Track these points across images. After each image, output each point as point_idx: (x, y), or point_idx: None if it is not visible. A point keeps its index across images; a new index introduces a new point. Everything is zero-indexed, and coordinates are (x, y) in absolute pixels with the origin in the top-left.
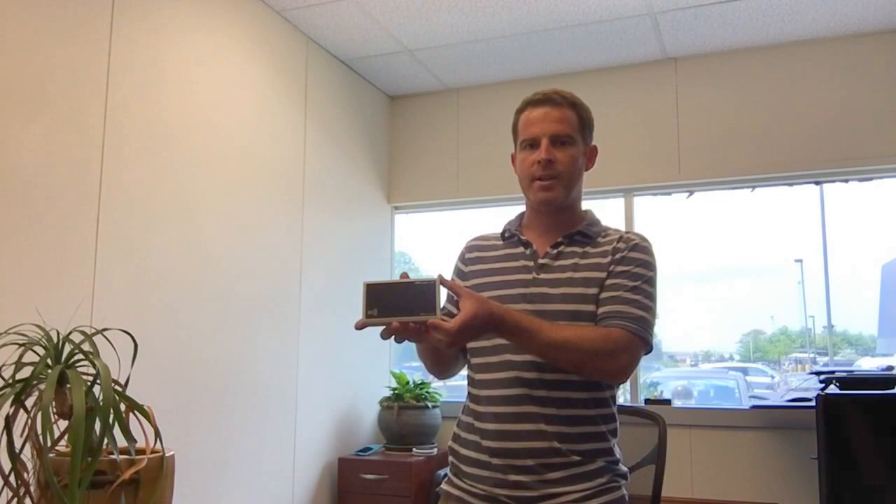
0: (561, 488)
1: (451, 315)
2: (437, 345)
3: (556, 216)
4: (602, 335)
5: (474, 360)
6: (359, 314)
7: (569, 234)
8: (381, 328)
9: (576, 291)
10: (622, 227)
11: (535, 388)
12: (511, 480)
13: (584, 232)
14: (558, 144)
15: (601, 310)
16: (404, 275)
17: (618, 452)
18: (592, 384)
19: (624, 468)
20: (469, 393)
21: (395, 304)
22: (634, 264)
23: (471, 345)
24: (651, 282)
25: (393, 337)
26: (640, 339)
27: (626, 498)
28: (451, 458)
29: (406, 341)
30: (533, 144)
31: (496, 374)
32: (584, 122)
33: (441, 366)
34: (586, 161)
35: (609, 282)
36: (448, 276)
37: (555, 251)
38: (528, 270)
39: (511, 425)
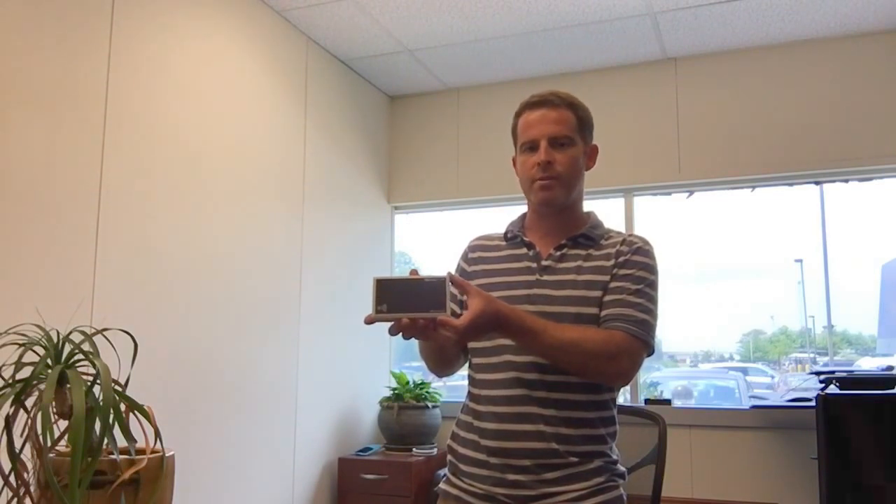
0: (558, 487)
1: (455, 314)
2: (445, 342)
3: (558, 217)
4: (604, 337)
5: (475, 360)
6: (360, 312)
7: (572, 236)
8: (390, 324)
9: (579, 294)
10: (622, 228)
11: (536, 388)
12: (509, 480)
13: (587, 234)
14: (557, 146)
15: (604, 312)
16: (413, 272)
17: (615, 453)
18: (593, 386)
19: (622, 468)
20: (469, 392)
21: (404, 301)
22: (637, 268)
23: (472, 344)
24: (653, 285)
25: (401, 333)
26: (641, 343)
27: (624, 497)
28: (449, 457)
29: (411, 338)
30: (532, 147)
31: (497, 375)
32: (582, 123)
33: (443, 364)
34: (587, 161)
35: (612, 284)
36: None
37: (558, 253)
38: (531, 272)
39: (510, 425)
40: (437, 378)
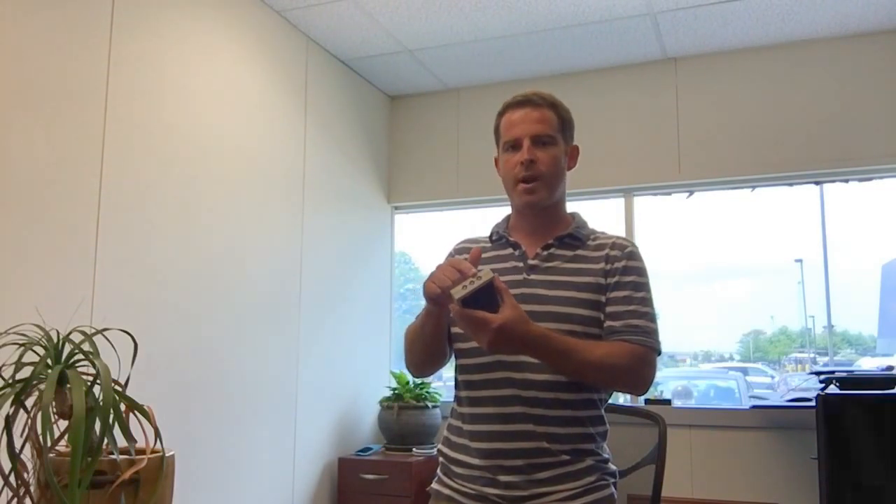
0: (550, 487)
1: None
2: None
3: (542, 217)
4: (629, 352)
5: (463, 362)
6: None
7: (559, 236)
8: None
9: (568, 294)
10: (622, 227)
11: (525, 388)
12: (501, 481)
13: (574, 234)
14: (540, 145)
15: (616, 322)
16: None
17: (606, 452)
18: (583, 386)
19: (613, 467)
20: (457, 396)
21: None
22: (636, 274)
23: (459, 346)
24: (650, 289)
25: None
26: (656, 352)
27: (615, 496)
28: (440, 459)
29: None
30: (515, 146)
31: (486, 375)
32: (564, 123)
33: (430, 358)
34: (568, 160)
35: (616, 293)
36: None
37: (545, 253)
38: (518, 271)
39: (500, 426)
40: (413, 375)
